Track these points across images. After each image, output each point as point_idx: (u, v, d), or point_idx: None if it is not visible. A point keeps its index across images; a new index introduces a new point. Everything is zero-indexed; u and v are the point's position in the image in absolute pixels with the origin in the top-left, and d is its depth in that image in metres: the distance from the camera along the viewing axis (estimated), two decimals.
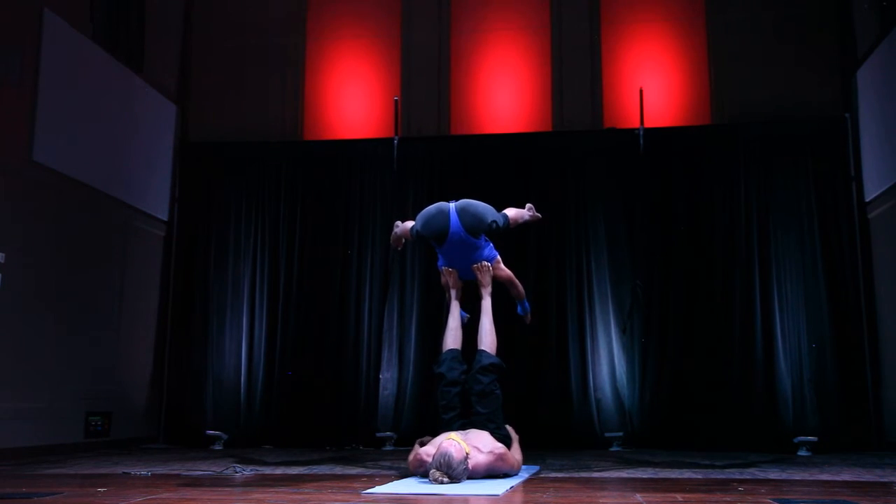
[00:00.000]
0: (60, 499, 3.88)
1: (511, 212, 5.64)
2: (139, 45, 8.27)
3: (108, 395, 7.57)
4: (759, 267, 7.78)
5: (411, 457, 4.70)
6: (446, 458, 4.25)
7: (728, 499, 3.85)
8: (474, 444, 4.54)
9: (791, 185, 7.90)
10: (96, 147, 7.46)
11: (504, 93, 8.78)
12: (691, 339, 7.77)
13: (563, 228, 8.13)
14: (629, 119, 8.28)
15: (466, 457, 4.35)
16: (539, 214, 5.88)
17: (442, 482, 4.21)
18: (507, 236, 7.90)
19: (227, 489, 4.31)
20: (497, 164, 8.32)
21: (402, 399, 7.97)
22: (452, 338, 5.36)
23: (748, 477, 4.91)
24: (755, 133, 8.07)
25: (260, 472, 5.21)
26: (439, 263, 5.57)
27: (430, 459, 4.39)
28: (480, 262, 5.41)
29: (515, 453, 4.85)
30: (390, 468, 5.54)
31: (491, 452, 4.54)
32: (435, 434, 4.79)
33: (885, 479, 4.78)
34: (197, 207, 8.68)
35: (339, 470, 5.44)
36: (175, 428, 8.28)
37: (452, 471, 4.24)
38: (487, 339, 5.15)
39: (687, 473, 5.15)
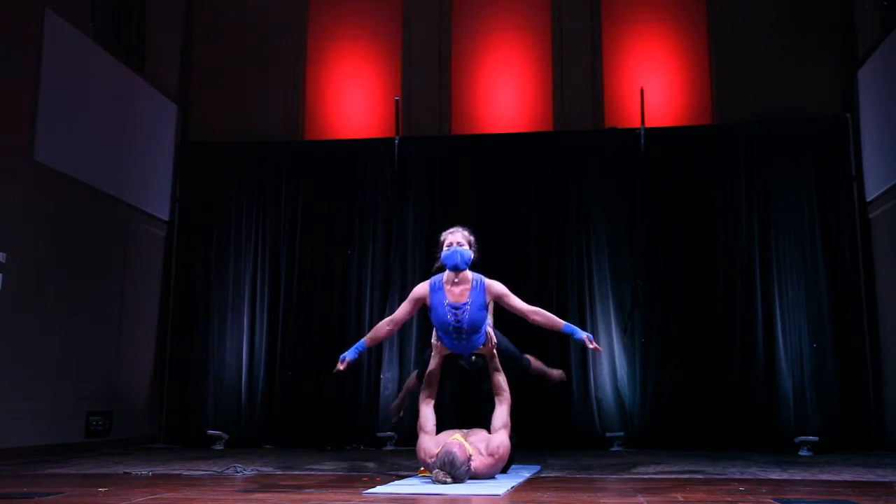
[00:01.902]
0: (61, 498, 3.88)
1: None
2: (140, 44, 8.27)
3: (109, 395, 7.57)
4: (760, 266, 7.78)
5: (417, 445, 4.68)
6: (450, 458, 4.26)
7: (729, 499, 3.85)
8: (477, 445, 4.54)
9: (792, 184, 7.90)
10: (97, 147, 7.46)
11: (505, 93, 8.77)
12: (692, 338, 7.77)
13: (564, 228, 8.13)
14: (630, 119, 8.28)
15: (469, 458, 4.36)
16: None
17: (445, 482, 4.24)
18: (507, 240, 7.95)
19: (227, 489, 4.31)
20: (498, 164, 8.32)
21: None
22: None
23: (749, 477, 4.91)
24: (756, 133, 8.06)
25: (261, 472, 5.21)
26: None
27: (431, 460, 4.39)
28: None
29: (505, 439, 4.71)
30: (391, 468, 5.54)
31: (492, 455, 4.54)
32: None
33: (887, 479, 4.77)
34: (197, 207, 8.68)
35: (339, 470, 5.44)
36: (176, 428, 8.28)
37: (456, 471, 4.26)
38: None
39: (688, 473, 5.15)
